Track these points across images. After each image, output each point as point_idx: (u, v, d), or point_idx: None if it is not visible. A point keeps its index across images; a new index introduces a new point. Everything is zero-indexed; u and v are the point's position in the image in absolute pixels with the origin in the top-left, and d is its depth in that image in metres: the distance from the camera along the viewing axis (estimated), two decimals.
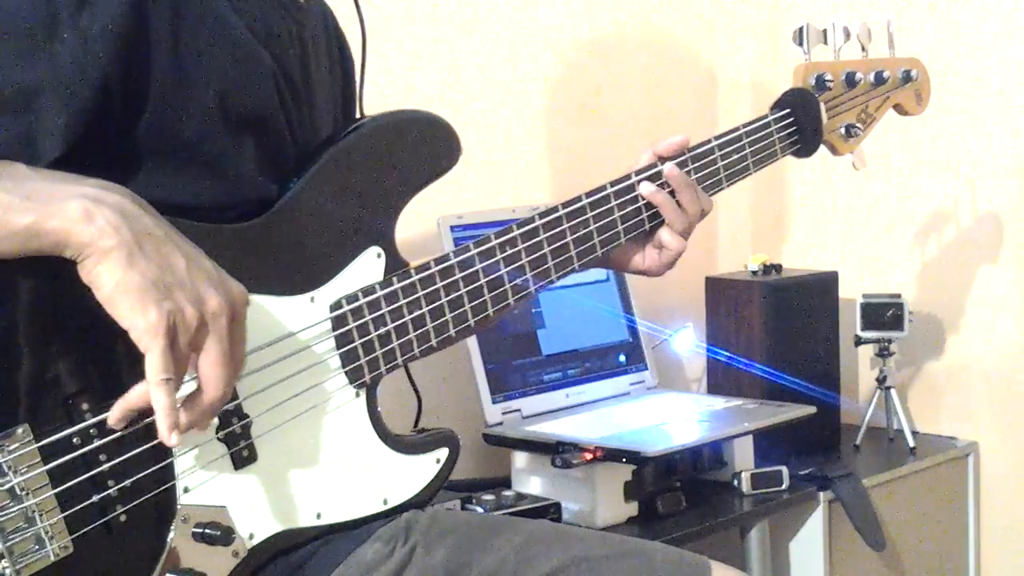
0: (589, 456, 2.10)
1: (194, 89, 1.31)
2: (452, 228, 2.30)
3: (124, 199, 1.18)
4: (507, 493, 2.16)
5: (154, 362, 1.16)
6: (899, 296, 2.67)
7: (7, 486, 1.16)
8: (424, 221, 2.25)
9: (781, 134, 1.78)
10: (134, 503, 1.24)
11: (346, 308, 1.41)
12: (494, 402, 2.30)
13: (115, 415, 1.21)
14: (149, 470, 1.25)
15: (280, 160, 1.41)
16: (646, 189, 1.64)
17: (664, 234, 1.67)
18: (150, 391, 1.16)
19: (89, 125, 1.24)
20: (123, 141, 1.29)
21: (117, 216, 1.16)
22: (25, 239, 1.14)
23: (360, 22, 1.59)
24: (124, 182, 1.26)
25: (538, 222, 1.56)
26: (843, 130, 1.85)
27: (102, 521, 1.22)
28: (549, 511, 2.14)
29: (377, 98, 1.65)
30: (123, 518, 1.24)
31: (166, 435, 1.17)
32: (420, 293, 1.45)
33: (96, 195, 1.16)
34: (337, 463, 1.42)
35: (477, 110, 2.58)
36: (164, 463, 1.27)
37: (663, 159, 1.67)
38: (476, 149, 2.51)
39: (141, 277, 1.15)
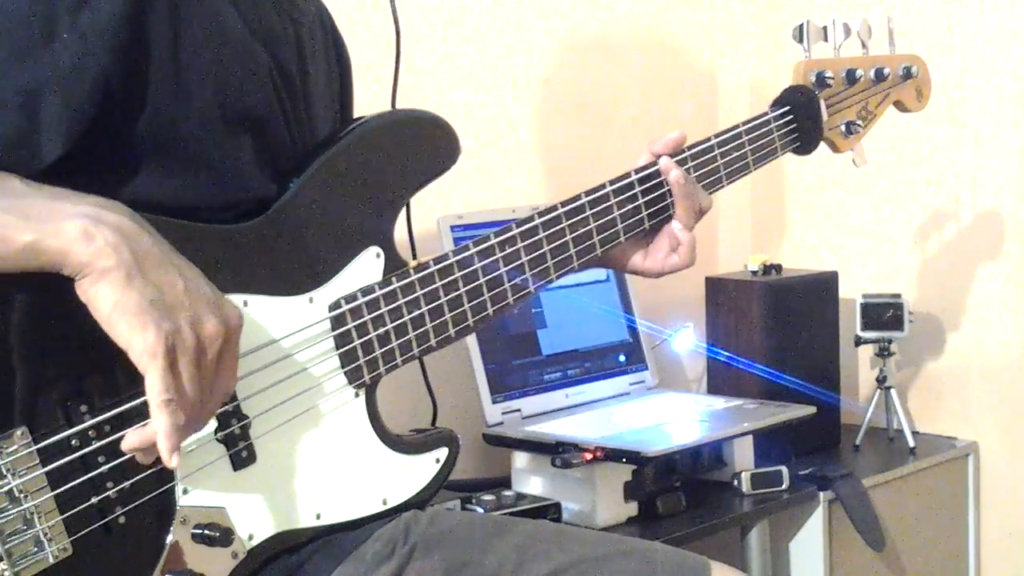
0: (589, 456, 2.09)
1: (192, 88, 1.31)
2: (452, 228, 2.30)
3: (123, 218, 1.18)
4: (507, 493, 2.16)
5: (154, 383, 1.15)
6: (899, 296, 2.67)
7: (6, 488, 1.16)
8: (424, 221, 2.24)
9: (781, 131, 1.78)
10: (133, 504, 1.24)
11: (345, 308, 1.41)
12: (494, 402, 2.30)
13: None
14: (148, 472, 1.24)
15: (278, 159, 1.41)
16: (674, 176, 1.63)
17: (676, 227, 1.66)
18: (151, 412, 1.16)
19: (89, 125, 1.24)
20: (121, 141, 1.28)
21: (116, 236, 1.16)
22: (25, 257, 1.14)
23: (394, 19, 1.59)
24: (122, 183, 1.27)
25: (537, 221, 1.55)
26: (843, 127, 1.85)
27: (101, 523, 1.22)
28: (549, 511, 2.14)
29: (376, 97, 1.65)
30: (122, 520, 1.23)
31: (167, 457, 1.16)
32: (419, 293, 1.45)
33: (95, 214, 1.16)
34: (336, 464, 1.42)
35: (477, 110, 2.58)
36: (163, 465, 1.26)
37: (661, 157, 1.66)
38: (476, 149, 2.51)
39: (139, 297, 1.15)
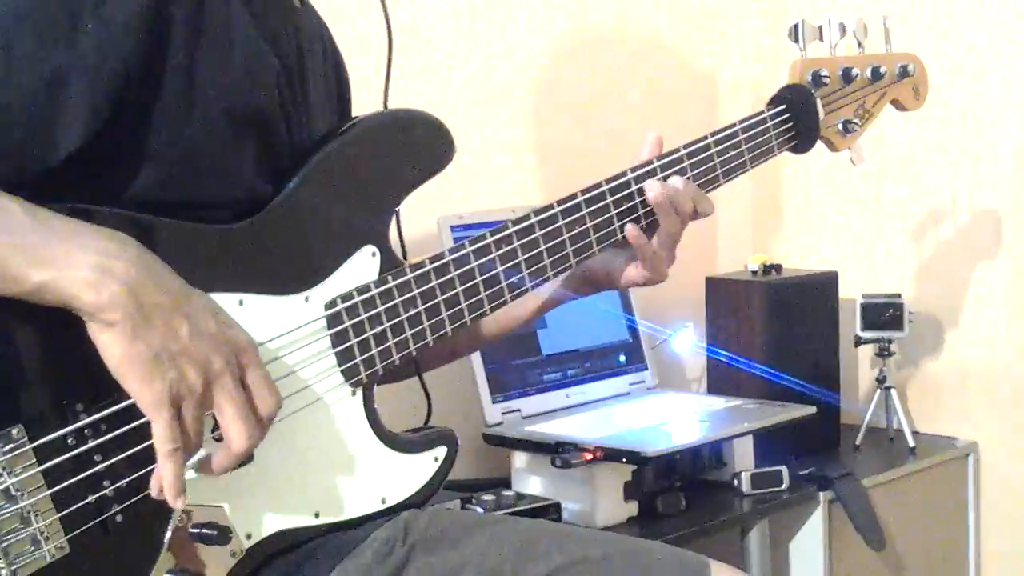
0: (589, 456, 2.09)
1: (203, 87, 1.32)
2: (452, 228, 2.30)
3: (131, 267, 1.19)
4: (507, 493, 2.16)
5: (160, 433, 1.19)
6: (899, 296, 2.67)
7: (2, 486, 1.16)
8: (424, 221, 2.25)
9: (777, 130, 1.77)
10: (130, 503, 1.24)
11: (341, 307, 1.41)
12: (494, 402, 2.30)
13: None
14: (145, 470, 1.24)
15: (277, 160, 1.41)
16: (652, 192, 1.63)
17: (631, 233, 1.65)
18: (158, 460, 1.20)
19: (107, 117, 1.25)
20: (129, 137, 1.28)
21: (123, 288, 1.17)
22: (35, 296, 1.16)
23: (386, 20, 1.60)
24: (124, 180, 1.28)
25: (533, 219, 1.55)
26: (840, 126, 1.84)
27: (98, 521, 1.22)
28: (549, 511, 2.14)
29: (374, 97, 1.65)
30: (119, 518, 1.23)
31: (173, 501, 1.20)
32: (415, 291, 1.45)
33: (104, 265, 1.17)
34: (335, 462, 1.42)
35: (478, 110, 2.58)
36: None
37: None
38: (477, 149, 2.51)
39: (146, 348, 1.18)
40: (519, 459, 2.26)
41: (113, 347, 1.18)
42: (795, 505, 2.41)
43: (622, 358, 2.51)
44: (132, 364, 1.18)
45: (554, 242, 1.56)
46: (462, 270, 1.49)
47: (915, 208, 2.82)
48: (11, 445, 1.17)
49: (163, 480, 1.20)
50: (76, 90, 1.22)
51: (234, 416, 1.23)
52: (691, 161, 1.67)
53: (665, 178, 1.64)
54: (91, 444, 1.21)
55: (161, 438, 1.19)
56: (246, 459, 1.29)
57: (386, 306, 1.44)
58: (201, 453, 1.25)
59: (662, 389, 2.55)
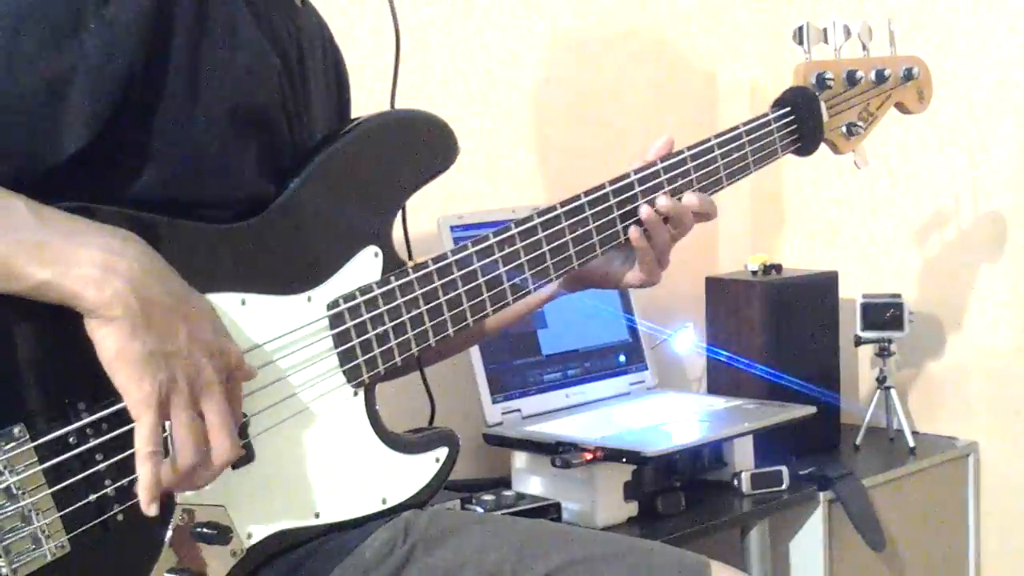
0: (589, 456, 2.09)
1: (206, 86, 1.32)
2: (452, 228, 2.30)
3: (134, 265, 1.19)
4: (507, 493, 2.16)
5: (141, 434, 1.18)
6: (899, 296, 2.67)
7: (3, 485, 1.16)
8: (424, 221, 2.25)
9: (781, 132, 1.77)
10: (131, 502, 1.23)
11: (343, 307, 1.41)
12: (494, 402, 2.30)
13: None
14: None
15: (279, 160, 1.42)
16: (645, 214, 1.63)
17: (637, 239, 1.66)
18: (136, 461, 1.19)
19: (110, 117, 1.25)
20: (131, 136, 1.29)
21: (126, 286, 1.17)
22: (37, 293, 1.16)
23: (394, 20, 1.60)
24: (126, 179, 1.28)
25: (536, 221, 1.55)
26: (844, 128, 1.84)
27: (99, 520, 1.22)
28: (549, 511, 2.14)
29: (375, 99, 1.65)
30: (120, 517, 1.23)
31: (145, 506, 1.19)
32: (418, 292, 1.45)
33: (108, 262, 1.17)
34: (335, 462, 1.42)
35: (478, 110, 2.58)
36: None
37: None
38: (477, 149, 2.51)
39: (141, 347, 1.18)
40: (519, 459, 2.26)
41: (109, 343, 1.17)
42: (795, 505, 2.41)
43: (622, 358, 2.51)
44: (125, 361, 1.17)
45: (557, 243, 1.56)
46: (465, 271, 1.49)
47: (916, 208, 2.82)
48: (12, 443, 1.17)
49: (138, 483, 1.19)
50: (79, 91, 1.23)
51: (220, 427, 1.23)
52: (695, 163, 1.67)
53: (674, 192, 1.64)
54: (92, 443, 1.21)
55: (142, 439, 1.18)
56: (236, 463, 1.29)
57: (389, 306, 1.44)
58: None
59: (662, 389, 2.55)
